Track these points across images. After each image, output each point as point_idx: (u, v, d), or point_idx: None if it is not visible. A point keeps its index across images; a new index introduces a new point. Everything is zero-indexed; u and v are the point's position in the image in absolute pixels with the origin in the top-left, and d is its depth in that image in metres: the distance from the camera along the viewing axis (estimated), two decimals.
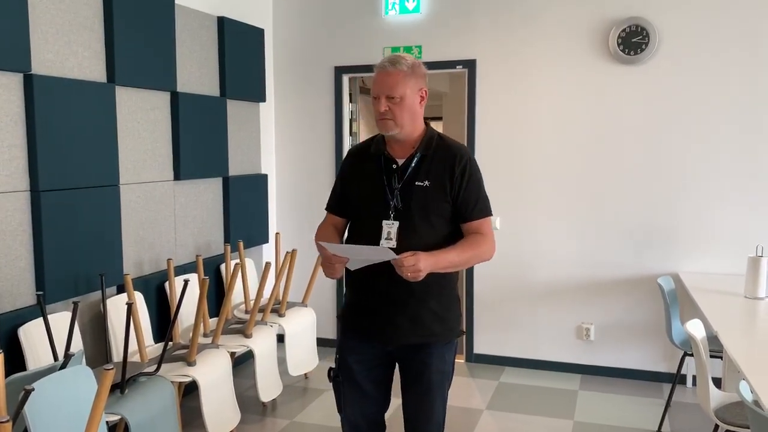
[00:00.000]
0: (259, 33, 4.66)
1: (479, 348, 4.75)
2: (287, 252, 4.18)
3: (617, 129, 4.33)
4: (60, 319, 2.91)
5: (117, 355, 3.17)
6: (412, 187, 2.16)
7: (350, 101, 5.05)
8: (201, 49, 4.06)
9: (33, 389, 1.86)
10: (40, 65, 2.92)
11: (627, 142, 4.32)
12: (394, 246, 2.11)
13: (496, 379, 4.45)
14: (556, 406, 4.01)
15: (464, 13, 4.56)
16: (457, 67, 4.62)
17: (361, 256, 2.09)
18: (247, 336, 3.69)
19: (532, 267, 4.56)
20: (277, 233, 4.62)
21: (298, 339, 4.17)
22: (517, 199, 4.56)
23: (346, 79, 4.92)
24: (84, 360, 2.71)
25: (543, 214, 4.52)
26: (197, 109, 3.97)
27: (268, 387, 3.81)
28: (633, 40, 4.21)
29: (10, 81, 2.79)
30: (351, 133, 5.08)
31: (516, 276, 4.60)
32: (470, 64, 4.58)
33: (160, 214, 3.75)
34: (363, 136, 6.15)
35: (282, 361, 4.01)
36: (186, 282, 3.21)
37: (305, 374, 4.37)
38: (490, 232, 2.22)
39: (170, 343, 3.37)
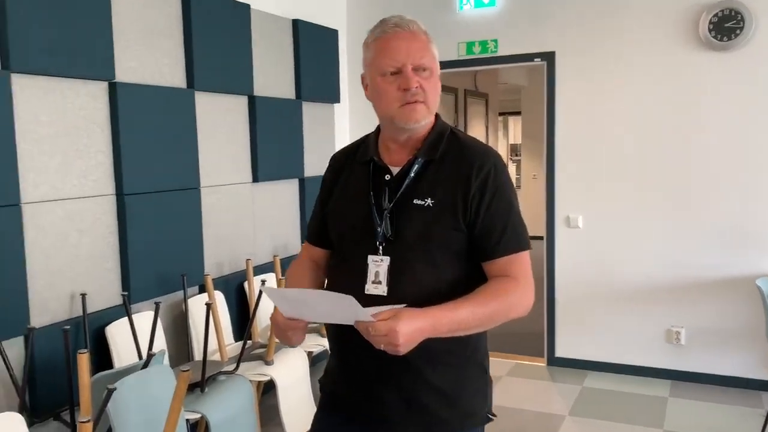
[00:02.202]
0: (333, 34, 4.68)
1: (561, 351, 4.58)
2: None
3: (707, 122, 4.07)
4: (144, 318, 3.01)
5: (198, 354, 3.25)
6: (408, 208, 1.51)
7: None
8: (276, 52, 4.11)
9: (115, 388, 1.91)
10: (123, 73, 3.02)
11: (717, 135, 4.04)
12: (385, 293, 1.48)
13: (579, 384, 4.28)
14: (645, 413, 3.81)
15: (542, 4, 4.41)
16: (535, 60, 4.48)
17: (317, 310, 1.45)
18: (323, 335, 3.70)
19: (616, 267, 4.36)
20: None
21: None
22: (600, 197, 4.37)
23: None
24: (166, 359, 2.79)
25: (627, 211, 4.31)
26: (273, 111, 4.03)
27: (298, 417, 3.75)
28: (726, 25, 3.94)
29: (96, 89, 2.91)
30: None
31: (599, 276, 4.41)
32: (549, 57, 4.42)
33: (239, 215, 3.82)
34: None
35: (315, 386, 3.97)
36: (264, 282, 3.25)
37: None
38: (526, 275, 1.52)
39: (249, 342, 3.43)
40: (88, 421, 1.71)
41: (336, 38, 4.72)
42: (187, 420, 2.59)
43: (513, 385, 4.33)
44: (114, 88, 2.96)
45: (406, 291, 1.47)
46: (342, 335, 1.52)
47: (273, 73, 4.08)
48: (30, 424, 2.44)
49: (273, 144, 4.02)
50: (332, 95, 4.69)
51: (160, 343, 3.03)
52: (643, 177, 4.25)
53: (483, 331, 1.56)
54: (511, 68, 5.32)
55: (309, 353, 3.66)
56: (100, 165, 2.94)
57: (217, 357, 3.30)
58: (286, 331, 1.47)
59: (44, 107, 2.68)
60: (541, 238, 4.76)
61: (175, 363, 3.18)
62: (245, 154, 3.86)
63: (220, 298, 3.52)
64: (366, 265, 1.51)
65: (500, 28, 4.55)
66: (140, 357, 2.78)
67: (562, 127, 4.44)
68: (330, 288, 1.59)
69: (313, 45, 4.41)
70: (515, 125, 15.53)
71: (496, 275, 1.51)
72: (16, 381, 2.47)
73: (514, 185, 1.63)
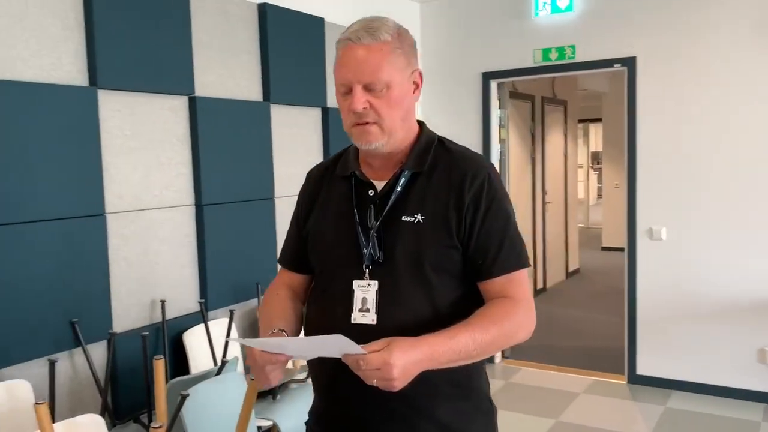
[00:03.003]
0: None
1: (642, 368, 4.37)
2: None
3: None
4: (219, 325, 3.09)
5: None
6: (397, 225, 1.37)
7: (499, 107, 4.92)
8: None
9: (188, 394, 1.96)
10: (202, 87, 3.13)
11: None
12: (374, 322, 1.34)
13: (662, 404, 4.07)
14: None
15: (622, 7, 4.26)
16: (615, 65, 4.32)
17: (308, 351, 1.35)
18: None
19: (703, 281, 4.13)
20: None
21: None
22: (685, 209, 4.16)
23: (494, 84, 4.79)
24: (240, 366, 2.85)
25: (715, 224, 4.07)
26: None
27: None
28: None
29: (177, 103, 3.02)
30: (500, 140, 4.95)
31: (684, 290, 4.19)
32: (629, 62, 4.26)
33: None
34: (513, 144, 5.97)
35: None
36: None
37: None
38: (526, 295, 1.38)
39: None
40: (160, 427, 1.76)
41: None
42: (259, 427, 2.64)
43: (590, 403, 4.17)
44: (194, 102, 3.07)
45: (399, 318, 1.33)
46: (327, 372, 1.37)
47: None
48: (112, 426, 2.55)
49: None
50: None
51: (234, 350, 3.10)
52: (732, 187, 4.01)
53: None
54: (590, 74, 5.16)
55: None
56: (180, 176, 3.05)
57: (289, 365, 3.33)
58: (264, 367, 1.29)
59: (128, 121, 2.80)
60: (621, 249, 4.57)
61: (248, 370, 3.23)
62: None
63: None
64: (351, 291, 1.37)
65: (578, 33, 4.42)
66: (215, 363, 2.85)
67: (645, 134, 4.26)
68: (313, 317, 1.46)
69: None
70: (596, 132, 15.10)
71: (493, 296, 1.37)
72: (99, 383, 2.58)
73: (507, 195, 1.48)
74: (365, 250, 1.38)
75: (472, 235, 1.36)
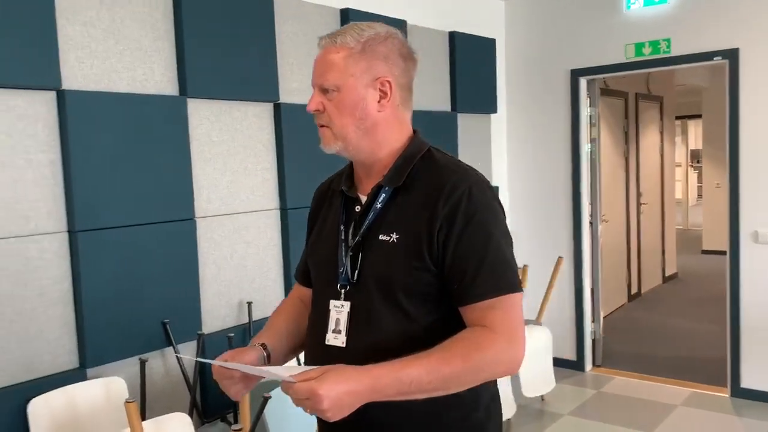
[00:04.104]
0: (490, 43, 4.60)
1: (747, 381, 4.08)
2: (518, 268, 4.03)
3: None
4: None
5: None
6: (373, 244, 1.33)
7: (589, 105, 4.73)
8: (432, 65, 4.11)
9: (270, 396, 1.99)
10: (286, 94, 3.18)
11: None
12: (343, 344, 1.32)
13: None
14: None
15: None
16: (715, 58, 4.06)
17: (257, 372, 1.28)
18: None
19: None
20: None
21: (533, 359, 3.98)
22: None
23: (583, 82, 4.62)
24: None
25: None
26: (429, 125, 4.02)
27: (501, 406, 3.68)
28: None
29: (262, 110, 3.09)
30: (590, 140, 4.76)
31: None
32: (731, 54, 3.98)
33: None
34: (604, 143, 5.75)
35: (516, 381, 3.86)
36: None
37: (542, 396, 4.16)
38: (509, 325, 1.25)
39: None
40: (240, 429, 1.79)
41: (493, 47, 4.63)
42: None
43: (689, 417, 3.92)
44: (278, 109, 3.13)
45: (367, 341, 1.29)
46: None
47: (429, 87, 4.08)
48: (200, 424, 2.63)
49: None
50: (489, 105, 4.61)
51: None
52: None
53: (490, 382, 1.31)
54: (688, 68, 4.88)
55: None
56: (265, 182, 3.12)
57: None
58: (221, 381, 1.31)
59: (216, 129, 2.90)
60: (723, 253, 4.30)
61: None
62: None
63: None
64: (328, 311, 1.35)
65: (673, 25, 4.18)
66: (299, 364, 2.89)
67: (748, 131, 3.97)
68: (305, 334, 1.46)
69: (469, 56, 4.37)
70: (695, 130, 14.30)
71: (472, 324, 1.26)
72: (189, 382, 2.68)
73: (502, 214, 1.34)
74: (341, 270, 1.35)
75: (446, 256, 1.27)
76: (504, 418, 3.63)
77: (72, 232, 2.39)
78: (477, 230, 1.27)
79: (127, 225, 2.54)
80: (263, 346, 1.40)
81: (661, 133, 7.51)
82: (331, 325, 1.34)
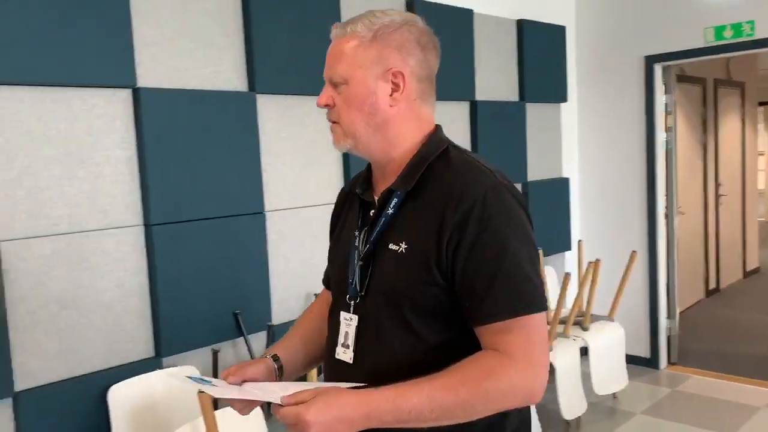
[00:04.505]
0: (560, 31, 4.46)
1: None
2: (590, 262, 3.91)
3: None
4: None
5: None
6: (383, 254, 1.22)
7: (665, 92, 4.53)
8: (499, 54, 4.03)
9: None
10: None
11: None
12: (350, 361, 1.23)
13: None
14: None
15: None
16: None
17: (249, 395, 1.21)
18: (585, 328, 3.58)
19: None
20: (579, 241, 4.37)
21: (605, 355, 3.87)
22: None
23: (658, 68, 4.43)
24: None
25: None
26: (495, 116, 3.95)
27: (571, 404, 3.60)
28: None
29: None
30: (666, 129, 4.56)
31: None
32: None
33: None
34: (681, 132, 5.51)
35: (586, 378, 3.76)
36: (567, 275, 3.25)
37: (613, 394, 4.04)
38: (526, 351, 1.11)
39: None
40: None
41: (563, 35, 4.50)
42: None
43: None
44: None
45: (375, 360, 1.19)
46: None
47: (495, 76, 4.01)
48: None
49: (494, 149, 3.95)
50: (558, 95, 4.48)
51: None
52: None
53: (520, 413, 1.19)
54: None
55: None
56: (332, 176, 3.14)
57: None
58: (225, 396, 1.22)
59: (284, 124, 2.93)
60: None
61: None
62: None
63: None
64: (339, 323, 1.26)
65: (757, 6, 3.94)
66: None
67: None
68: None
69: (538, 44, 4.26)
70: None
71: (486, 348, 1.13)
72: None
73: (525, 224, 1.18)
74: (351, 280, 1.25)
75: (455, 270, 1.13)
76: (574, 416, 3.58)
77: (148, 226, 2.47)
78: (490, 241, 1.12)
79: (200, 219, 2.60)
80: (274, 357, 1.33)
81: (743, 120, 7.13)
82: (341, 339, 1.25)
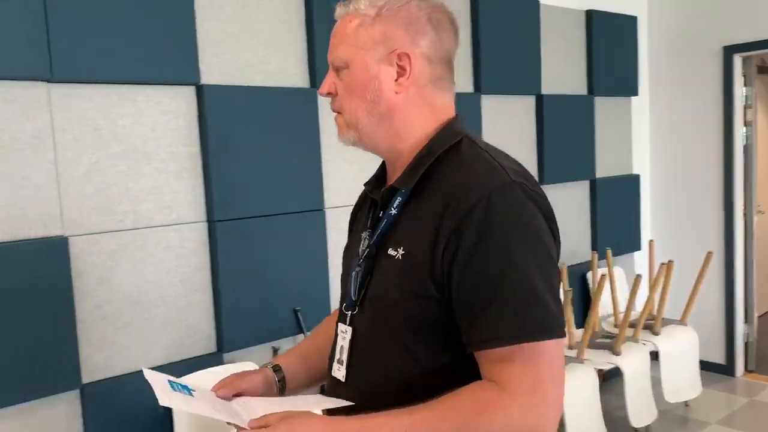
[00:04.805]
0: (631, 21, 4.27)
1: None
2: (662, 263, 3.73)
3: None
4: None
5: None
6: (381, 260, 1.09)
7: (744, 84, 4.28)
8: (567, 46, 3.89)
9: None
10: None
11: None
12: (343, 379, 1.12)
13: None
14: None
15: None
16: None
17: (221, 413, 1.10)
18: (616, 353, 3.40)
19: None
20: (650, 241, 4.17)
21: (677, 361, 3.69)
22: None
23: (738, 59, 4.18)
24: None
25: None
26: (562, 110, 3.82)
27: (640, 411, 3.44)
28: None
29: None
30: (745, 123, 4.31)
31: None
32: None
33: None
34: (762, 126, 5.21)
35: (657, 383, 3.60)
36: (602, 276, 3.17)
37: (686, 402, 3.85)
38: (527, 386, 0.95)
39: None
40: None
41: (634, 25, 4.30)
42: None
43: None
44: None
45: (366, 379, 1.08)
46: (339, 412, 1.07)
47: (562, 69, 3.87)
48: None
49: (561, 144, 3.82)
50: (629, 88, 4.30)
51: None
52: None
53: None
54: None
55: (598, 370, 3.39)
56: None
57: None
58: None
59: None
60: None
61: None
62: (531, 157, 3.73)
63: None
64: (337, 336, 1.15)
65: None
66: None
67: None
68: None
69: (608, 35, 4.09)
70: None
71: (484, 377, 0.98)
72: None
73: (540, 232, 1.00)
74: (348, 287, 1.13)
75: (452, 283, 0.98)
76: (644, 424, 3.42)
77: (211, 222, 2.48)
78: (491, 251, 0.95)
79: (261, 215, 2.60)
80: (275, 368, 1.24)
81: None
82: (336, 354, 1.14)
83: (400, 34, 1.07)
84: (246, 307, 2.56)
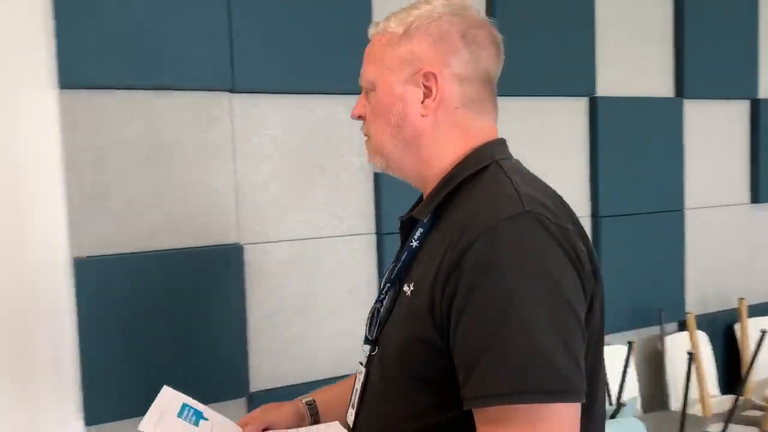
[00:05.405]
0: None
1: None
2: None
3: None
4: (615, 353, 2.75)
5: (674, 403, 2.83)
6: (399, 298, 0.99)
7: None
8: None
9: None
10: (605, 86, 2.85)
11: None
12: (351, 425, 1.06)
13: None
14: None
15: None
16: None
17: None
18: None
19: None
20: None
21: None
22: None
23: None
24: (638, 406, 2.49)
25: None
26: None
27: None
28: None
29: (575, 105, 2.81)
30: None
31: None
32: None
33: (732, 243, 3.25)
34: None
35: None
36: (764, 333, 2.62)
37: None
38: None
39: (740, 398, 2.83)
40: None
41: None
42: None
43: None
44: (594, 103, 2.82)
45: (368, 427, 0.99)
46: None
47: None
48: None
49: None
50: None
51: (632, 389, 2.72)
52: None
53: None
54: None
55: None
56: (575, 185, 2.83)
57: (697, 409, 2.81)
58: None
59: (526, 126, 2.69)
60: None
61: (647, 409, 2.84)
62: (743, 170, 3.27)
63: (703, 339, 3.02)
64: (357, 376, 1.08)
65: None
66: (609, 403, 2.53)
67: None
68: None
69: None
70: None
71: None
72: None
73: (558, 275, 0.84)
74: (367, 329, 1.06)
75: (450, 327, 0.86)
76: None
77: (380, 234, 2.40)
78: (489, 296, 0.83)
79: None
80: (309, 403, 1.20)
81: None
82: (351, 396, 1.07)
83: (428, 53, 0.99)
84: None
